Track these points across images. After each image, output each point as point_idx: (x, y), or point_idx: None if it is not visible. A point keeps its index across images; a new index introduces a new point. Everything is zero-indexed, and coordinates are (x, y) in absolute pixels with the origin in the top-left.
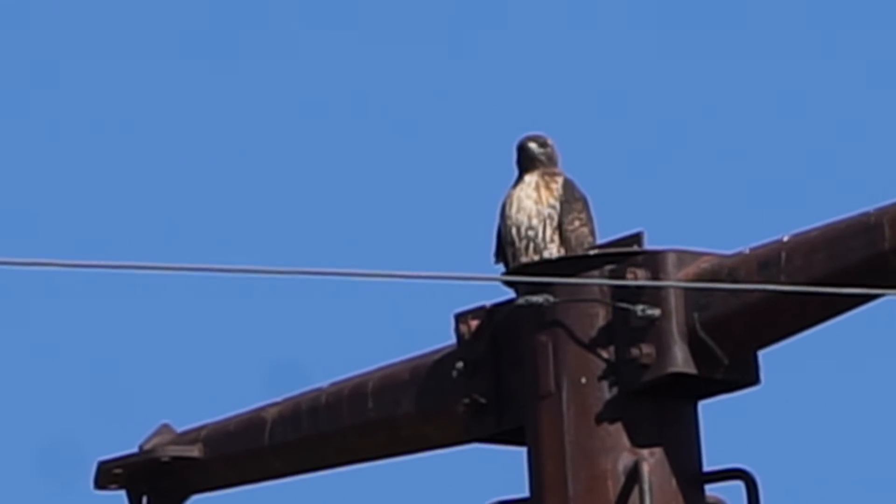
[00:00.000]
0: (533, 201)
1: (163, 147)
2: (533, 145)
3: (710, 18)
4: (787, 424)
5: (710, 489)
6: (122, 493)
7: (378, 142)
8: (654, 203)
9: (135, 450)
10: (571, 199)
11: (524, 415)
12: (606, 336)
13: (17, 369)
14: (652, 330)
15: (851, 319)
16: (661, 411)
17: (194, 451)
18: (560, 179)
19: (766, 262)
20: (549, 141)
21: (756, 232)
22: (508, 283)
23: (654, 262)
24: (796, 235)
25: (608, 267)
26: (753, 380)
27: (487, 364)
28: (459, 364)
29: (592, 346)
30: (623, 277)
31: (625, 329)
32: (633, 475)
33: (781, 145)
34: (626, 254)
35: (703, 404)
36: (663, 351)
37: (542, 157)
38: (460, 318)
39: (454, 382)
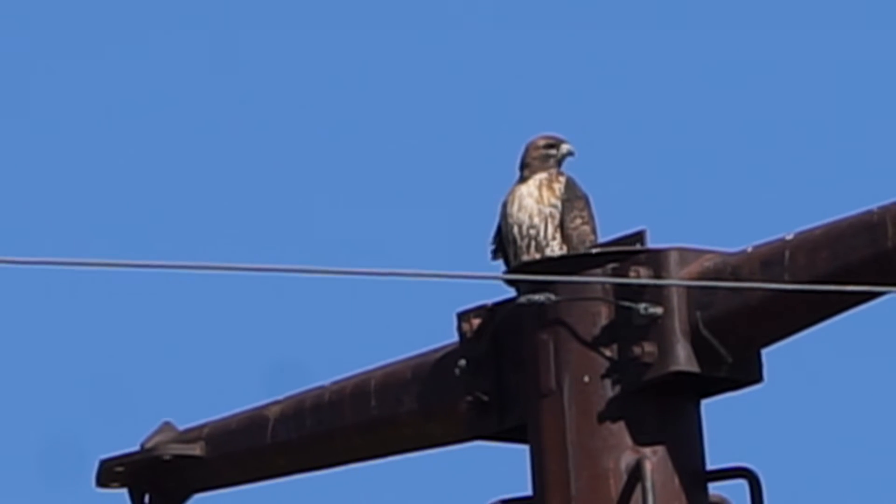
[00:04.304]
0: (534, 200)
1: (163, 146)
2: (542, 143)
3: (711, 17)
4: (790, 423)
5: (714, 488)
6: (124, 491)
7: (380, 141)
8: (656, 201)
9: (136, 448)
10: (573, 197)
11: (526, 413)
12: (609, 334)
13: (17, 368)
14: (654, 328)
15: (854, 317)
16: (664, 410)
17: (196, 450)
18: (563, 179)
19: (770, 260)
20: (561, 140)
21: (759, 230)
22: (510, 282)
23: (656, 260)
24: (799, 234)
25: (610, 265)
26: (756, 378)
27: (489, 362)
28: (462, 362)
29: (595, 345)
30: (625, 276)
31: (627, 327)
32: (636, 474)
33: (784, 144)
34: (628, 252)
35: (705, 403)
36: (666, 349)
37: (552, 160)
38: (462, 316)
39: (456, 380)
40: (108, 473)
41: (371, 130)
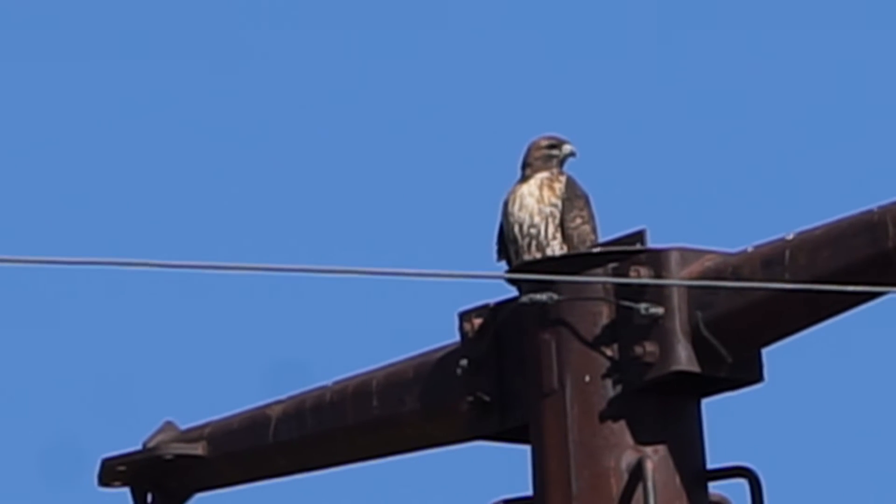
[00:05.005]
0: (535, 199)
1: (163, 146)
2: (544, 143)
3: (711, 17)
4: (790, 422)
5: (714, 487)
6: (127, 490)
7: (381, 140)
8: (657, 201)
9: (138, 447)
10: (573, 196)
11: (528, 413)
12: (610, 334)
13: (20, 368)
14: (655, 328)
15: (855, 317)
16: (665, 409)
17: (198, 449)
18: (563, 178)
19: (770, 260)
20: (563, 140)
21: (760, 230)
22: (512, 281)
23: (657, 260)
24: (800, 233)
25: (611, 265)
26: (757, 378)
27: (491, 362)
28: (463, 362)
29: (596, 345)
30: (626, 276)
31: (628, 327)
32: (637, 473)
33: (785, 143)
34: (629, 252)
35: (706, 402)
36: (667, 349)
37: (554, 161)
38: (464, 316)
39: (458, 380)
40: (110, 472)
41: (371, 130)
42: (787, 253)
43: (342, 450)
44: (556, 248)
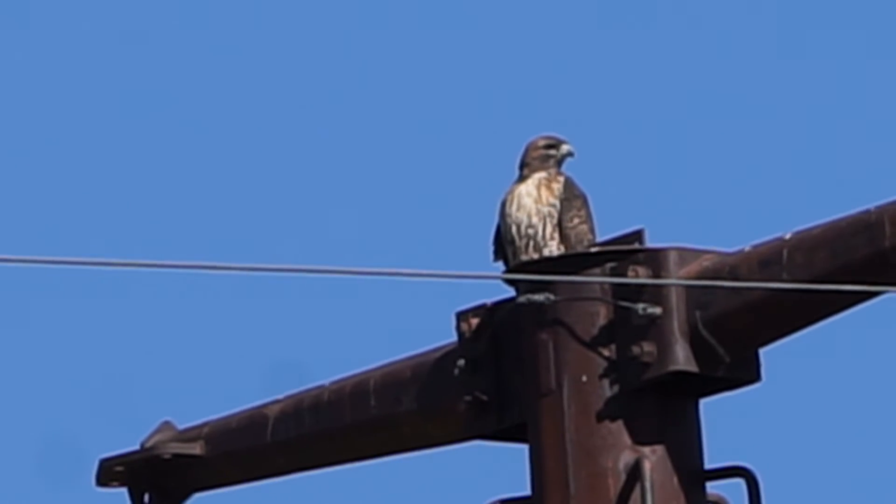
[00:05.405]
0: (533, 199)
1: (163, 146)
2: (542, 143)
3: (710, 16)
4: (788, 422)
5: (712, 487)
6: (124, 490)
7: (379, 141)
8: (655, 201)
9: (136, 447)
10: (571, 196)
11: (525, 413)
12: (607, 334)
13: (18, 368)
14: (653, 328)
15: (852, 316)
16: (663, 409)
17: (196, 449)
18: (562, 179)
19: (768, 259)
20: (561, 141)
21: (757, 229)
22: (509, 282)
23: (655, 260)
24: (798, 233)
25: (609, 265)
26: (754, 377)
27: (489, 362)
28: (461, 362)
29: (593, 345)
30: (624, 275)
31: (626, 327)
32: (635, 473)
33: (783, 143)
34: (627, 252)
35: (704, 402)
36: (664, 349)
37: (552, 161)
38: (461, 316)
39: (456, 380)
40: (108, 472)
41: (371, 130)
42: (785, 252)
43: (340, 449)
44: (553, 248)
